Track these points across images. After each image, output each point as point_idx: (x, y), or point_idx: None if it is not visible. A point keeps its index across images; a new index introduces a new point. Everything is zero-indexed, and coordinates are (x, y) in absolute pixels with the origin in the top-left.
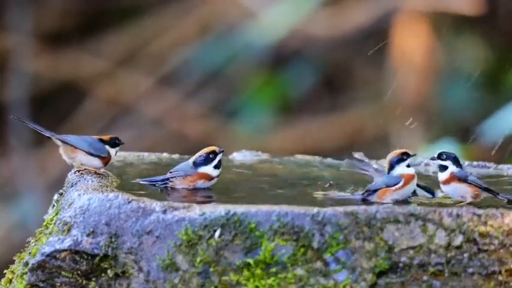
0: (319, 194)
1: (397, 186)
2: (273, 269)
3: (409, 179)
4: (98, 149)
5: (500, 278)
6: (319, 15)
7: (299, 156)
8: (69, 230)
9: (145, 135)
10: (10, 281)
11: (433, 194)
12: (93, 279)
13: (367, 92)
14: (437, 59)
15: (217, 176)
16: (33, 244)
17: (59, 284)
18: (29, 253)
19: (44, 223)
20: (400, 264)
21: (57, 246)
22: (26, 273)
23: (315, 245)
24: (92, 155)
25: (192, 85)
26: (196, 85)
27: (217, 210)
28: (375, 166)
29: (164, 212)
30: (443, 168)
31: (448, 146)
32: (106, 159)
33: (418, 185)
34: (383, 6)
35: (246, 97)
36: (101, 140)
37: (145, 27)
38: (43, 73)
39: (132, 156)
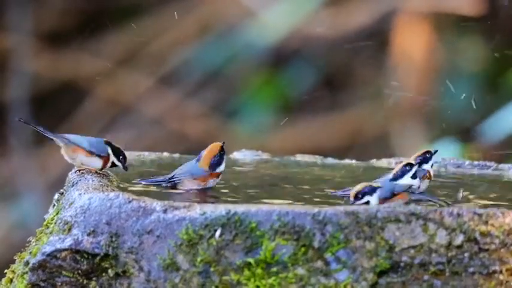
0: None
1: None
2: (274, 269)
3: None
4: (99, 149)
5: (501, 277)
6: (320, 15)
7: (299, 156)
8: (69, 229)
9: (145, 135)
10: (11, 280)
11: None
12: (94, 278)
13: (368, 92)
14: (438, 59)
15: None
16: (33, 244)
17: (59, 284)
18: (30, 253)
19: (45, 222)
20: (401, 264)
21: (58, 246)
22: (26, 272)
23: (316, 244)
24: (92, 154)
25: (192, 85)
26: (196, 85)
27: (217, 209)
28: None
29: (165, 211)
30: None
31: (448, 146)
32: (106, 159)
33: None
34: (383, 6)
35: (246, 97)
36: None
37: (145, 27)
38: (43, 73)
39: (132, 156)
